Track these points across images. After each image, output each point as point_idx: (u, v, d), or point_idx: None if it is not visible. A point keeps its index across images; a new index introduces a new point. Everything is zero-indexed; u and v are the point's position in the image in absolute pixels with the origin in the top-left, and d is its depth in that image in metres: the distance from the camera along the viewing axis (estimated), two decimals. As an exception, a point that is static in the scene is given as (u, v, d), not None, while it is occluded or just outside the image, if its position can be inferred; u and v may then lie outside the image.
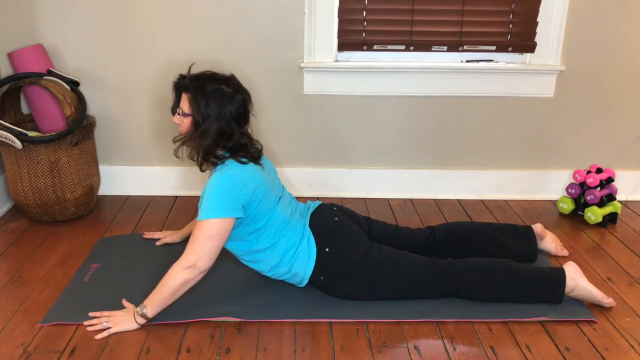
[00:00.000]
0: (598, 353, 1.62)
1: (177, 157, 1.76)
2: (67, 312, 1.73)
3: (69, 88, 2.33)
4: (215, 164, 1.73)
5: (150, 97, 2.51)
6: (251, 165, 1.74)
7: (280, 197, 1.83)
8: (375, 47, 2.46)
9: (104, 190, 2.63)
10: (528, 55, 2.52)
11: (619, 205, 2.44)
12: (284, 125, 2.56)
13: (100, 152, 2.56)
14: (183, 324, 1.70)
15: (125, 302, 1.75)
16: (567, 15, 2.43)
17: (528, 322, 1.74)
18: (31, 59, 2.29)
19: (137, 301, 1.78)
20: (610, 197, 2.46)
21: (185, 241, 2.07)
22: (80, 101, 2.34)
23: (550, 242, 2.11)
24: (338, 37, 2.45)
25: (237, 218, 1.67)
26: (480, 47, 2.49)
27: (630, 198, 2.70)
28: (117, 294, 1.83)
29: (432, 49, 2.48)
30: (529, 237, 2.04)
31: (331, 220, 1.84)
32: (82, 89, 2.42)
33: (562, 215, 2.54)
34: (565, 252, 2.14)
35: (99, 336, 1.63)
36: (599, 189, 2.43)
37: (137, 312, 1.66)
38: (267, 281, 1.88)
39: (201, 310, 1.74)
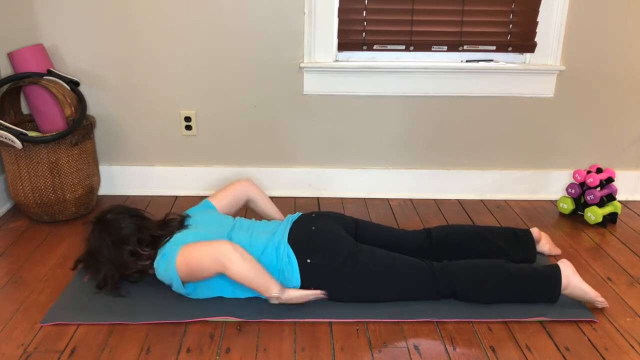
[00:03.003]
0: (598, 353, 1.62)
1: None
2: (67, 312, 1.73)
3: (69, 88, 2.33)
4: (153, 261, 1.81)
5: (150, 96, 2.51)
6: (177, 235, 1.80)
7: (231, 231, 1.85)
8: (375, 47, 2.47)
9: (104, 190, 2.63)
10: (528, 55, 2.52)
11: (619, 205, 2.44)
12: (284, 125, 2.56)
13: (100, 152, 2.56)
14: (183, 324, 1.70)
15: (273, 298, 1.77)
16: (567, 15, 2.43)
17: (528, 322, 1.74)
18: (31, 59, 2.29)
19: (140, 301, 1.78)
20: (610, 197, 2.46)
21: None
22: (80, 101, 2.34)
23: (544, 243, 2.13)
24: (338, 37, 2.45)
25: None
26: (480, 47, 2.49)
27: (630, 198, 2.70)
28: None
29: (432, 49, 2.48)
30: (528, 241, 2.03)
31: (308, 231, 1.84)
32: (82, 89, 2.42)
33: (562, 215, 2.54)
34: (558, 251, 2.15)
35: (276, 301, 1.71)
36: (599, 189, 2.43)
37: (275, 302, 1.72)
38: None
39: (201, 310, 1.74)
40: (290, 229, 1.85)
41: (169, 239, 1.80)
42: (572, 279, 1.79)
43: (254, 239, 1.82)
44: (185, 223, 1.88)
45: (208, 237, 1.77)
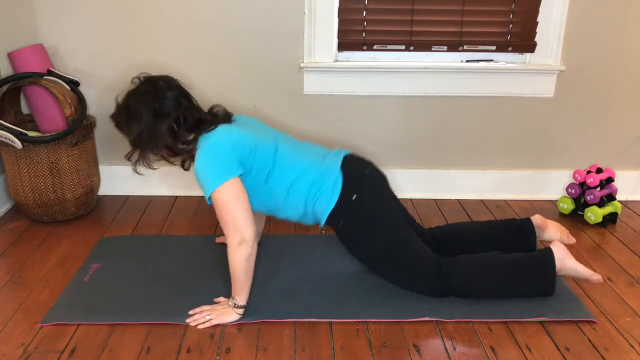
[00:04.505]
0: (598, 353, 1.62)
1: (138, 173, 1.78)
2: (67, 312, 1.73)
3: (69, 88, 2.33)
4: (191, 151, 1.73)
5: (150, 97, 2.51)
6: (222, 126, 1.73)
7: (277, 139, 1.81)
8: (375, 47, 2.46)
9: (104, 190, 2.63)
10: (528, 55, 2.52)
11: (619, 205, 2.44)
12: (284, 125, 2.56)
13: (100, 152, 2.56)
14: (183, 324, 1.70)
15: (219, 299, 1.78)
16: (567, 15, 2.43)
17: (528, 322, 1.74)
18: (31, 59, 2.29)
19: (140, 301, 1.79)
20: (610, 197, 2.46)
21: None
22: (80, 101, 2.34)
23: (554, 231, 2.04)
24: (338, 37, 2.45)
25: (240, 175, 1.66)
26: (480, 47, 2.49)
27: (630, 198, 2.70)
28: (117, 294, 1.84)
29: (432, 49, 2.48)
30: (527, 230, 1.99)
31: (362, 170, 1.83)
32: (82, 89, 2.42)
33: (562, 215, 2.54)
34: (572, 240, 2.03)
35: (201, 327, 1.67)
36: (599, 189, 2.43)
37: (231, 306, 1.70)
38: (267, 281, 1.88)
39: (201, 310, 1.74)
40: (344, 159, 1.82)
41: (213, 128, 1.71)
42: (565, 262, 1.80)
43: (299, 155, 1.79)
44: (231, 119, 1.79)
45: (253, 137, 1.73)
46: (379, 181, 1.86)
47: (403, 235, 1.81)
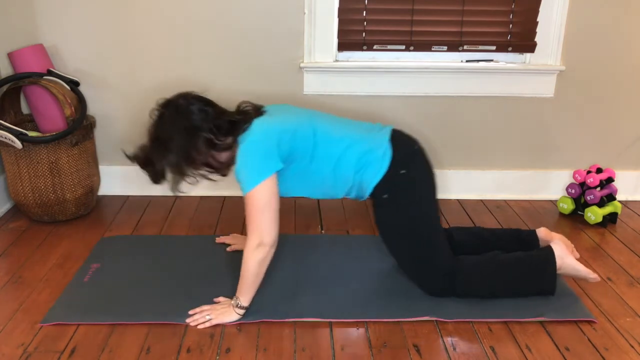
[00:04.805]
0: (598, 353, 1.62)
1: (179, 192, 1.78)
2: (67, 312, 1.73)
3: (69, 88, 2.33)
4: (232, 156, 1.72)
5: (151, 96, 2.50)
6: (257, 121, 1.72)
7: (315, 118, 1.80)
8: (375, 47, 2.46)
9: (104, 190, 2.63)
10: (528, 55, 2.52)
11: (619, 205, 2.44)
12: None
13: (100, 152, 2.56)
14: (183, 324, 1.70)
15: (219, 299, 1.78)
16: (567, 15, 2.43)
17: (528, 322, 1.74)
18: (31, 59, 2.29)
19: (140, 300, 1.79)
20: (610, 197, 2.46)
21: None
22: (80, 101, 2.34)
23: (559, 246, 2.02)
24: (338, 37, 2.45)
25: (278, 171, 1.67)
26: (480, 47, 2.49)
27: (630, 198, 2.70)
28: (117, 294, 1.84)
29: (432, 49, 2.48)
30: (532, 242, 1.99)
31: (411, 145, 1.84)
32: (82, 89, 2.42)
33: (562, 215, 2.54)
34: (576, 255, 1.96)
35: (201, 327, 1.67)
36: (599, 189, 2.43)
37: (232, 304, 1.70)
38: (267, 281, 1.88)
39: (201, 310, 1.74)
40: (392, 132, 1.82)
41: (248, 126, 1.69)
42: (565, 260, 1.81)
43: (341, 130, 1.79)
44: (263, 111, 1.78)
45: (290, 121, 1.73)
46: (427, 161, 1.86)
47: (437, 223, 1.83)
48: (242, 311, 1.70)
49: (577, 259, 1.88)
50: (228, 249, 2.12)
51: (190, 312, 1.73)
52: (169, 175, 1.72)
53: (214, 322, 1.69)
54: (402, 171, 1.75)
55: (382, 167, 1.75)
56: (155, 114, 1.73)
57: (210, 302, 1.78)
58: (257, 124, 1.71)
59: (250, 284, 1.68)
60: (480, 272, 1.81)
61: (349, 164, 1.76)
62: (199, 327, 1.68)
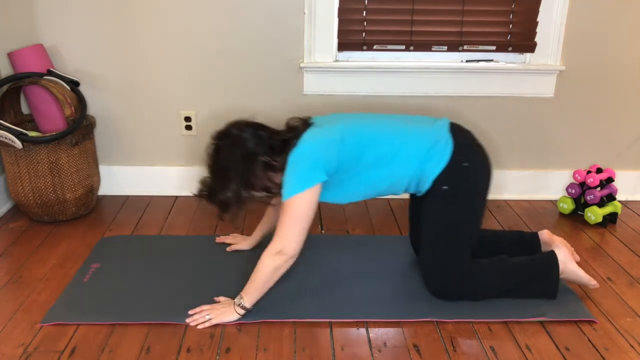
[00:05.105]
0: (598, 353, 1.62)
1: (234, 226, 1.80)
2: (67, 312, 1.73)
3: (69, 88, 2.33)
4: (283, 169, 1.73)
5: (150, 96, 2.51)
6: (305, 134, 1.73)
7: (359, 122, 1.80)
8: (375, 47, 2.46)
9: (104, 190, 2.63)
10: (528, 55, 2.52)
11: (619, 205, 2.44)
12: (283, 125, 2.56)
13: (100, 152, 2.56)
14: (183, 324, 1.70)
15: (219, 298, 1.78)
16: (567, 15, 2.43)
17: (528, 322, 1.74)
18: (31, 59, 2.29)
19: (139, 301, 1.79)
20: (610, 197, 2.46)
21: (254, 248, 2.09)
22: (80, 101, 2.34)
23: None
24: (338, 37, 2.45)
25: (323, 182, 1.67)
26: (480, 47, 2.49)
27: (630, 198, 2.70)
28: (117, 294, 1.84)
29: (432, 49, 2.48)
30: (534, 244, 2.00)
31: (472, 139, 1.84)
32: (82, 89, 2.42)
33: (562, 215, 2.54)
34: (577, 258, 1.97)
35: (201, 326, 1.67)
36: (599, 189, 2.43)
37: (235, 303, 1.70)
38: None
39: (201, 310, 1.74)
40: (451, 125, 1.82)
41: (297, 141, 1.70)
42: (568, 265, 1.83)
43: (392, 127, 1.78)
44: (310, 123, 1.79)
45: (337, 130, 1.73)
46: (487, 156, 1.85)
47: (480, 223, 1.84)
48: (243, 311, 1.70)
49: (577, 262, 1.89)
50: (228, 248, 2.12)
51: (190, 312, 1.72)
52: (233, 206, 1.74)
53: (213, 322, 1.69)
54: (465, 164, 1.75)
55: (443, 158, 1.74)
56: (211, 147, 1.75)
57: (211, 302, 1.77)
58: (305, 137, 1.72)
59: (259, 287, 1.69)
60: (488, 277, 1.81)
61: (407, 159, 1.75)
62: (198, 327, 1.68)
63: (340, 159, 1.71)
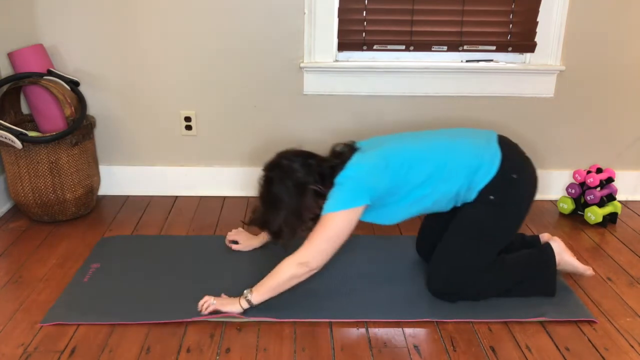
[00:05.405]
0: (598, 353, 1.62)
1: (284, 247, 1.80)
2: (67, 312, 1.73)
3: (69, 88, 2.33)
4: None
5: (150, 96, 2.51)
6: (351, 160, 1.74)
7: (403, 144, 1.81)
8: (375, 47, 2.46)
9: (104, 190, 2.63)
10: (528, 55, 2.52)
11: (619, 205, 2.44)
12: (284, 125, 2.56)
13: (100, 152, 2.56)
14: (183, 324, 1.70)
15: (224, 295, 1.79)
16: (567, 15, 2.43)
17: (528, 322, 1.74)
18: (31, 59, 2.29)
19: (139, 301, 1.79)
20: (610, 197, 2.46)
21: (260, 248, 2.11)
22: (80, 101, 2.34)
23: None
24: (338, 37, 2.45)
25: (365, 205, 1.69)
26: (480, 47, 2.49)
27: (630, 198, 2.70)
28: (117, 294, 1.84)
29: (432, 49, 2.48)
30: (535, 245, 2.00)
31: (520, 153, 1.85)
32: (82, 89, 2.42)
33: (562, 215, 2.54)
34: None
35: (205, 311, 1.69)
36: (599, 189, 2.43)
37: (242, 295, 1.70)
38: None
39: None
40: (499, 138, 1.83)
41: (343, 167, 1.73)
42: (563, 256, 1.87)
43: (433, 145, 1.79)
44: (355, 148, 1.81)
45: (382, 154, 1.75)
46: (535, 171, 1.85)
47: (510, 240, 1.85)
48: (247, 305, 1.70)
49: (576, 257, 1.93)
50: (233, 246, 2.12)
51: (199, 303, 1.74)
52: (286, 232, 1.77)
53: (216, 307, 1.70)
54: (514, 175, 1.76)
55: (492, 169, 1.74)
56: (263, 179, 1.79)
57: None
58: (352, 162, 1.74)
59: (271, 289, 1.70)
60: (489, 279, 1.81)
61: (454, 175, 1.75)
62: (202, 312, 1.69)
63: (386, 184, 1.72)
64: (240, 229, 2.20)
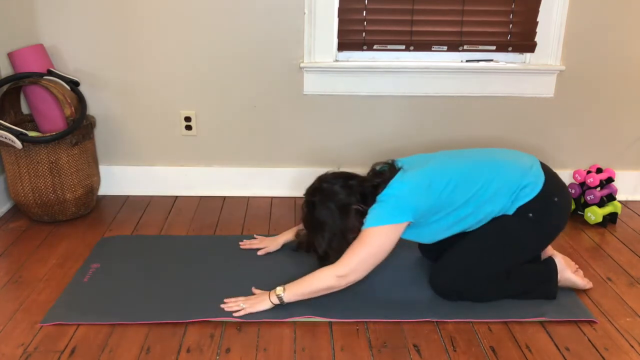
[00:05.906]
0: (598, 353, 1.62)
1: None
2: (67, 312, 1.73)
3: (69, 88, 2.33)
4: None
5: (150, 96, 2.51)
6: (394, 179, 1.75)
7: (445, 163, 1.81)
8: (375, 47, 2.46)
9: (104, 190, 2.63)
10: (528, 55, 2.52)
11: (619, 205, 2.44)
12: (284, 125, 2.56)
13: (100, 152, 2.56)
14: (183, 323, 1.70)
15: (256, 290, 1.81)
16: (567, 15, 2.43)
17: (528, 322, 1.74)
18: (31, 59, 2.29)
19: (140, 300, 1.79)
20: (610, 197, 2.46)
21: (280, 249, 2.11)
22: (80, 101, 2.34)
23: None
24: (338, 37, 2.45)
25: (407, 223, 1.70)
26: (480, 47, 2.49)
27: (630, 198, 2.70)
28: (117, 294, 1.84)
29: (432, 49, 2.48)
30: (536, 256, 1.99)
31: (562, 180, 1.87)
32: (82, 89, 2.42)
33: (562, 215, 2.54)
34: (580, 273, 1.98)
35: (236, 314, 1.70)
36: (599, 189, 2.43)
37: (275, 291, 1.73)
38: (266, 282, 1.88)
39: (201, 311, 1.74)
40: (541, 165, 1.85)
41: (384, 186, 1.74)
42: (564, 274, 1.86)
43: (476, 165, 1.80)
44: (397, 167, 1.82)
45: (425, 174, 1.75)
46: (571, 199, 1.90)
47: (530, 258, 1.87)
48: (277, 302, 1.72)
49: (577, 264, 1.94)
50: (259, 252, 2.11)
51: (226, 300, 1.75)
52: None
53: (247, 310, 1.71)
54: (556, 199, 1.78)
55: (535, 188, 1.76)
56: (306, 205, 1.82)
57: (210, 301, 1.78)
58: (394, 181, 1.75)
59: (305, 293, 1.72)
60: (493, 286, 1.81)
61: (499, 194, 1.75)
62: (234, 315, 1.70)
63: (429, 203, 1.72)
64: (257, 237, 2.21)
